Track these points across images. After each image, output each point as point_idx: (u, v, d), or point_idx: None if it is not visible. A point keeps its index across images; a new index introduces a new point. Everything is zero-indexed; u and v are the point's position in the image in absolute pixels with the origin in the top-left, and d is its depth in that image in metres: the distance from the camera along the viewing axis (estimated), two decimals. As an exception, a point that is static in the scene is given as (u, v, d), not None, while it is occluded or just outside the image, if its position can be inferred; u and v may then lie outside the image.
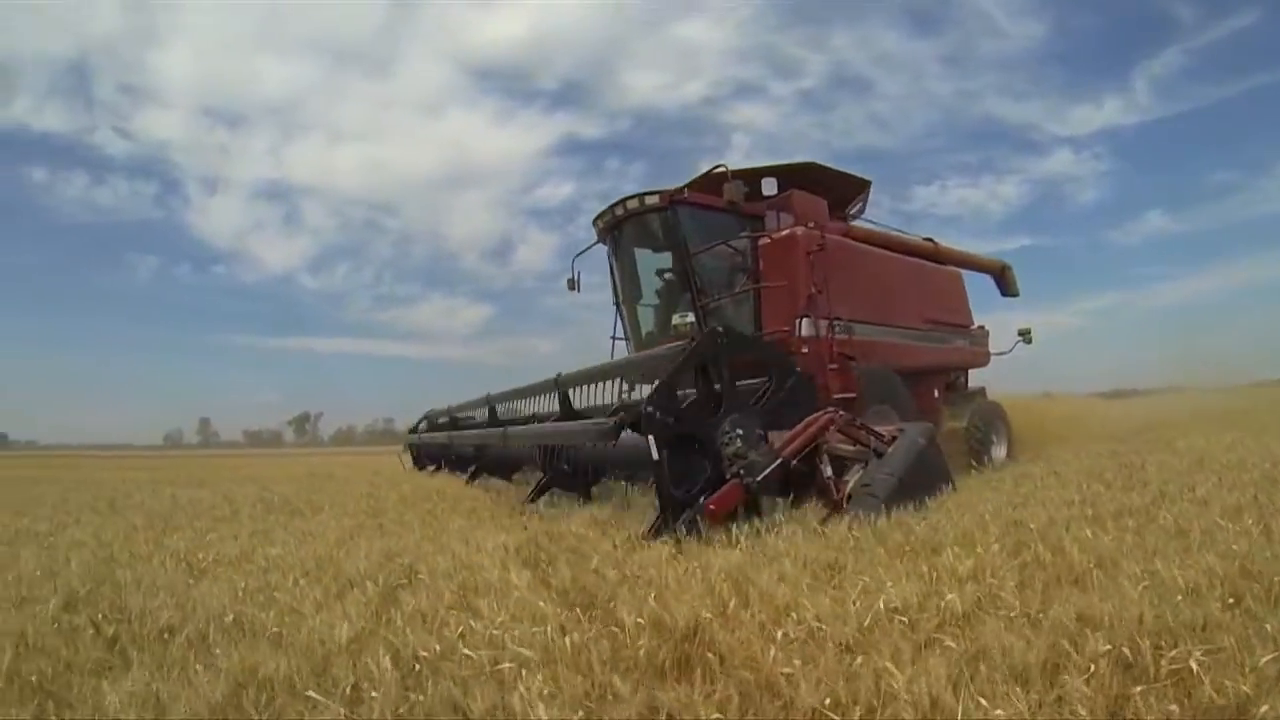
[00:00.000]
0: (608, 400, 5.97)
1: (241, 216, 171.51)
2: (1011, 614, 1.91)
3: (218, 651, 2.00)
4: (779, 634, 1.86)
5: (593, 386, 5.21)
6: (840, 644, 1.80)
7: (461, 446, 8.24)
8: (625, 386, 5.89)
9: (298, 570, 2.98)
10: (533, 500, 5.01)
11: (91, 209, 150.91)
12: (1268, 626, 1.64)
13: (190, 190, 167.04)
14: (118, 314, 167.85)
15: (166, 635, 2.22)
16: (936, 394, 7.56)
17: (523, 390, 7.63)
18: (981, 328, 8.44)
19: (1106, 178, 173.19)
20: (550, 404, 6.75)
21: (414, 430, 11.36)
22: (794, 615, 1.99)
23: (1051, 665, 1.58)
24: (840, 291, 6.10)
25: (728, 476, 3.51)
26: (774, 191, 6.78)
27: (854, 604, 2.03)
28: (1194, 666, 1.47)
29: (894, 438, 3.96)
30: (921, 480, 3.80)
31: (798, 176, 7.01)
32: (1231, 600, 1.86)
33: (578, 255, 7.33)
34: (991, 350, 8.55)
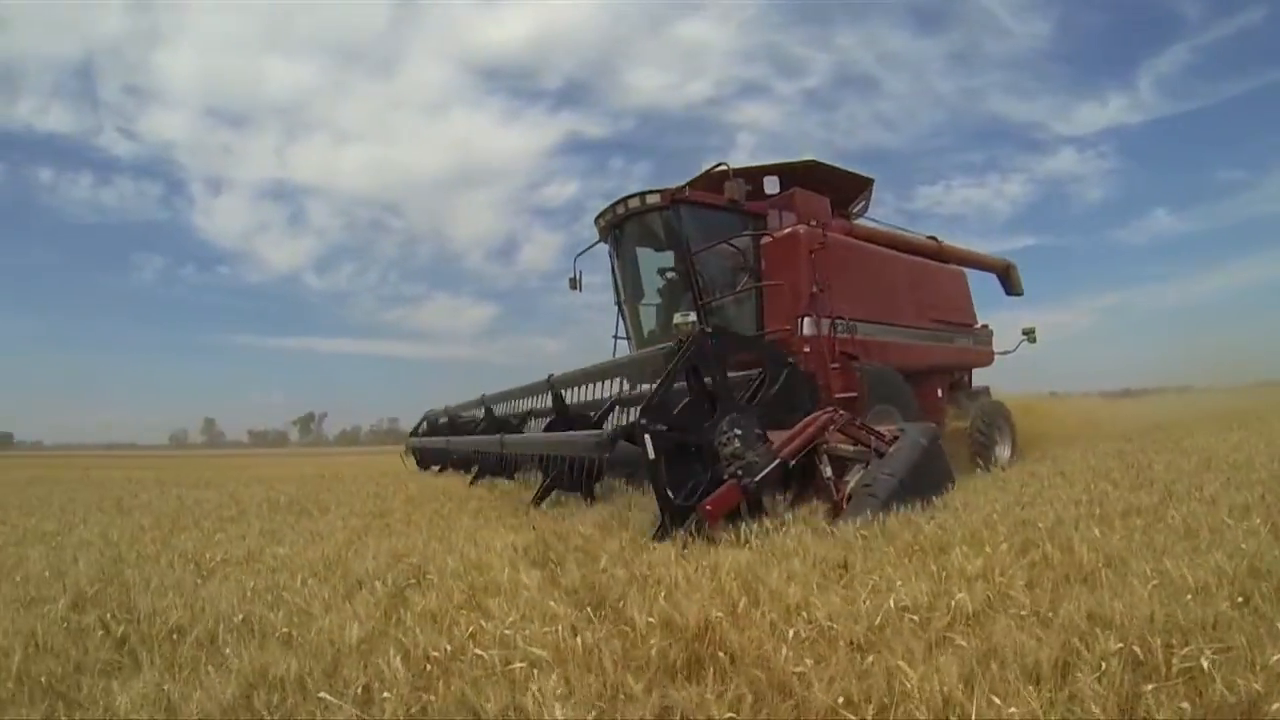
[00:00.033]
0: (602, 395, 5.99)
1: (247, 217, 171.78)
2: (1022, 613, 1.92)
3: (228, 652, 2.00)
4: (790, 633, 1.87)
5: (586, 385, 5.21)
6: (852, 643, 1.81)
7: (461, 449, 8.30)
8: (627, 385, 5.90)
9: (306, 570, 2.98)
10: (537, 503, 5.02)
11: (97, 210, 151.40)
12: (1278, 624, 1.65)
13: (195, 191, 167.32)
14: (123, 314, 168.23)
15: (176, 635, 2.22)
16: (940, 394, 7.52)
17: (517, 391, 7.68)
18: (985, 327, 8.41)
19: (1112, 176, 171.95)
20: (545, 401, 6.78)
21: (414, 433, 11.42)
22: (805, 614, 2.00)
23: (1063, 664, 1.58)
24: (843, 290, 6.08)
25: (725, 477, 3.51)
26: (776, 190, 6.78)
27: (864, 603, 2.04)
28: (1205, 665, 1.47)
29: (895, 438, 3.96)
30: (923, 480, 3.79)
31: (800, 175, 6.99)
32: (1241, 599, 1.87)
33: (579, 254, 7.33)
34: (996, 350, 8.52)
